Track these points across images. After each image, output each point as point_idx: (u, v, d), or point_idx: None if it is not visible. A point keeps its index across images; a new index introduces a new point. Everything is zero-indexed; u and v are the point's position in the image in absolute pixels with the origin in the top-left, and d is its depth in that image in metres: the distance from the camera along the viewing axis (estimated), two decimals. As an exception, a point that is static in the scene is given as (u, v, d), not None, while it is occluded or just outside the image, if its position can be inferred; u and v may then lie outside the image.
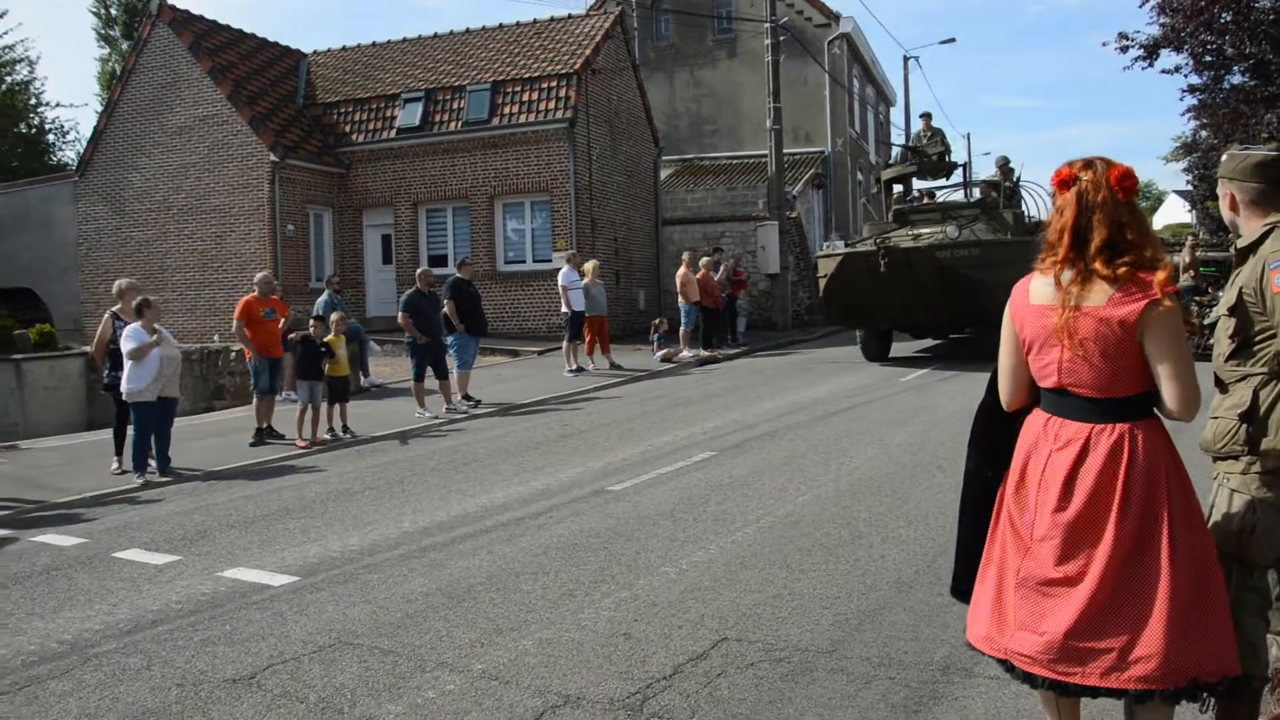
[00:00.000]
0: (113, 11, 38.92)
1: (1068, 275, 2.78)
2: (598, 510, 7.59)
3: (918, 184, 19.29)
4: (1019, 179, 18.18)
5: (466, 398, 13.75)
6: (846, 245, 16.07)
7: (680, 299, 18.87)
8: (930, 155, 18.27)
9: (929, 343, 19.64)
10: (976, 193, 18.32)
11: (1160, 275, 2.69)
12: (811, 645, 4.64)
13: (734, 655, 4.56)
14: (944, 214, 16.56)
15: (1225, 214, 3.41)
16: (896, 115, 43.16)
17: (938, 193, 19.04)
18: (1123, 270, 2.71)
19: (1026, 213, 17.85)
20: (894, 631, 4.77)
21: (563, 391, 14.95)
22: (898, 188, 18.71)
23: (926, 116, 19.28)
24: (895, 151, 20.01)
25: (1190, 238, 20.73)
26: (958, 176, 19.53)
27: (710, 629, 4.91)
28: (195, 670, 4.71)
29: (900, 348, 18.16)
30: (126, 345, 9.54)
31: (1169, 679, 2.66)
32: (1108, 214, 2.76)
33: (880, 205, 18.80)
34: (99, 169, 23.80)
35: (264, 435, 11.65)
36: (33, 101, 38.27)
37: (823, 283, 16.19)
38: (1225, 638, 2.73)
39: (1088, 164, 2.85)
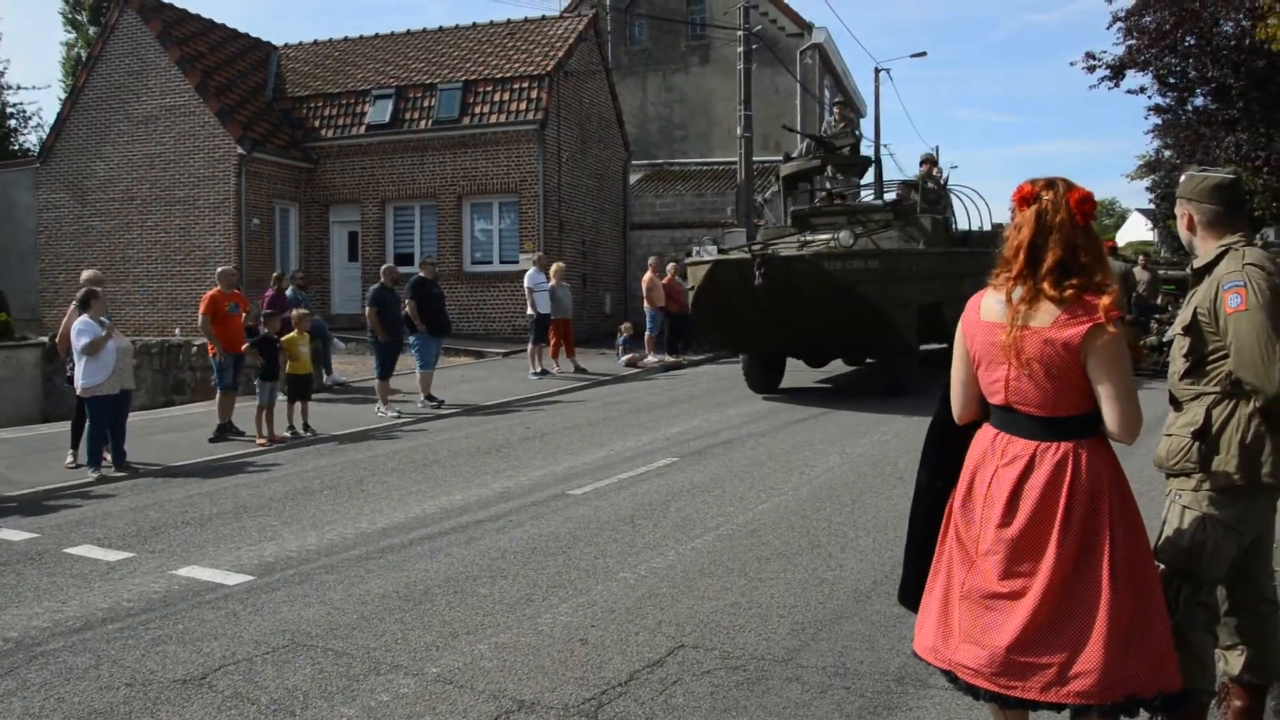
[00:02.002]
0: (81, -4, 38.32)
1: (1018, 293, 2.82)
2: (558, 514, 7.57)
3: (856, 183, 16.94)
4: (947, 181, 16.11)
5: (429, 398, 13.67)
6: (721, 251, 13.35)
7: (646, 304, 18.88)
8: (840, 148, 15.67)
9: (836, 370, 16.72)
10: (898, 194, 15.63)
11: (1106, 300, 2.73)
12: (768, 654, 4.66)
13: (690, 663, 4.57)
14: (851, 217, 14.00)
15: (1183, 234, 3.49)
16: (867, 127, 43.46)
17: (850, 194, 16.42)
18: (1069, 293, 2.76)
19: (953, 220, 15.80)
20: (850, 641, 4.80)
21: (526, 394, 14.90)
22: (827, 188, 16.05)
23: (841, 104, 16.82)
24: (798, 143, 16.40)
25: (1142, 257, 19.80)
26: (891, 176, 17.57)
27: (667, 636, 4.91)
28: (145, 670, 4.65)
29: (801, 376, 15.47)
30: (79, 341, 9.38)
31: (1106, 694, 2.71)
32: (1064, 235, 2.80)
33: (780, 206, 16.10)
34: (62, 156, 23.40)
35: (225, 431, 11.52)
36: (-7, 84, 37.60)
37: (690, 296, 13.58)
38: (1164, 654, 2.78)
39: (1049, 184, 2.88)
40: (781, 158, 15.62)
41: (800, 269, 12.10)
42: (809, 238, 13.31)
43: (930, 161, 16.12)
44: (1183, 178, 3.49)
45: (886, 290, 12.28)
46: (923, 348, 14.26)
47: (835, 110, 16.33)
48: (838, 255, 12.16)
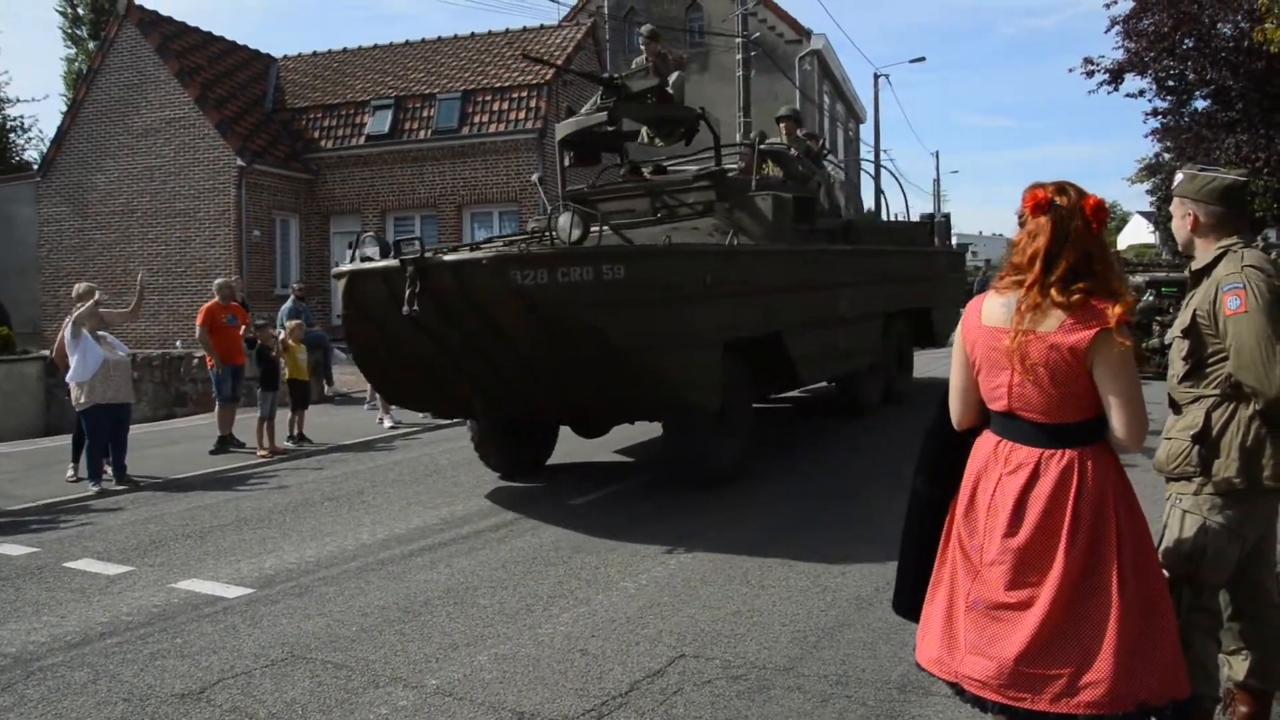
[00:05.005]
0: (80, 10, 38.42)
1: (1026, 299, 2.78)
2: (558, 524, 7.54)
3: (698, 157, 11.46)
4: (823, 148, 12.00)
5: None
6: (381, 257, 7.62)
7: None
8: (639, 94, 10.07)
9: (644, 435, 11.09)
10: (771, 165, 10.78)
11: (1118, 308, 2.68)
12: (769, 663, 4.63)
13: (691, 672, 4.54)
14: (654, 198, 9.69)
15: (1182, 233, 3.42)
16: (866, 132, 43.49)
17: (671, 165, 11.68)
18: (1076, 298, 2.72)
19: (831, 203, 11.56)
20: (852, 649, 4.76)
21: (528, 402, 14.84)
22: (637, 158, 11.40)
23: (649, 37, 10.37)
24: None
25: None
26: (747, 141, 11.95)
27: (668, 645, 4.88)
28: (143, 685, 4.62)
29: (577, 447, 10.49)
30: (73, 349, 9.38)
31: (1117, 704, 2.67)
32: (1079, 244, 2.76)
33: (558, 185, 11.01)
34: (62, 169, 23.44)
35: (226, 444, 11.51)
36: (-7, 99, 37.67)
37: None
38: (1173, 662, 2.75)
39: (1061, 189, 2.83)
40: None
41: (476, 282, 6.90)
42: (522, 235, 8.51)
43: (791, 120, 11.50)
44: (1181, 175, 3.42)
45: (642, 316, 7.21)
46: (770, 398, 10.30)
47: (644, 48, 10.36)
48: (542, 258, 6.83)
